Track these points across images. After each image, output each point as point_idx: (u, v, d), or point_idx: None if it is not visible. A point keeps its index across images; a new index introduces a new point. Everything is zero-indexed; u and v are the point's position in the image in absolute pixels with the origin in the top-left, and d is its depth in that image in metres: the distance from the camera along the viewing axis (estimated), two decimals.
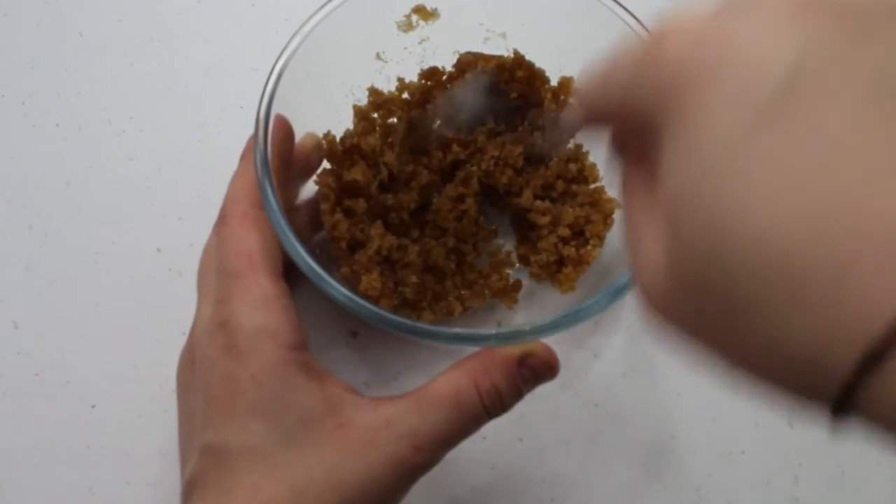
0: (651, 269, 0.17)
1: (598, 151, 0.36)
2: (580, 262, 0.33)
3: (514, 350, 0.27)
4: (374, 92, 0.35)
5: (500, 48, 0.36)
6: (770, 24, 0.14)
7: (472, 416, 0.27)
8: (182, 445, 0.28)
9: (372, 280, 0.31)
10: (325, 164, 0.34)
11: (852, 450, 0.35)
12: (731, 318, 0.14)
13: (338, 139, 0.34)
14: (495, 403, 0.27)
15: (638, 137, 0.18)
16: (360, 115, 0.35)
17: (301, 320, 0.28)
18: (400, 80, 0.36)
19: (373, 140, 0.34)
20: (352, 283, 0.32)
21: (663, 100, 0.15)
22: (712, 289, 0.14)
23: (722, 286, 0.14)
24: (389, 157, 0.34)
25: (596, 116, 0.19)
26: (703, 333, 0.16)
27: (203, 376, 0.27)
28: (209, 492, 0.25)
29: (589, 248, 0.34)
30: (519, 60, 0.35)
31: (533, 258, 0.34)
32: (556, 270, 0.34)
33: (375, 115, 0.35)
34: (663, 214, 0.16)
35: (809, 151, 0.13)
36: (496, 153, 0.34)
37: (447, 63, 0.36)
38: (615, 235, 0.34)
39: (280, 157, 0.30)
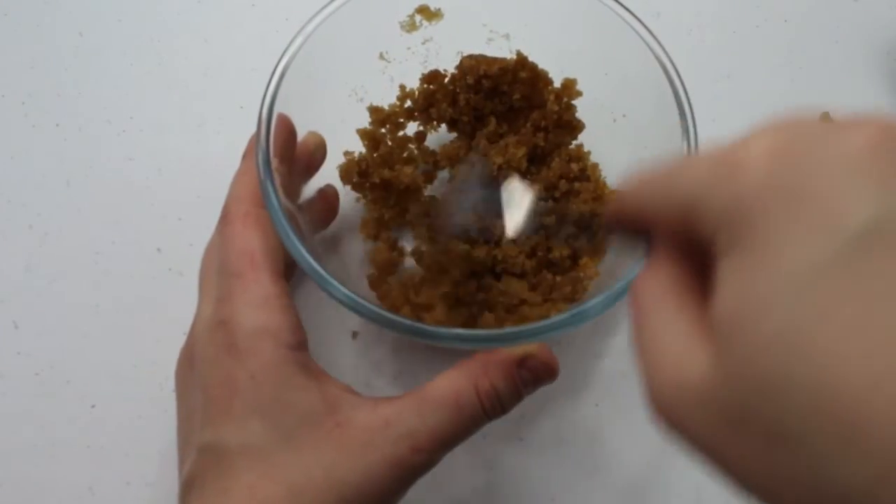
0: (677, 379, 0.17)
1: (598, 152, 0.36)
2: (595, 252, 0.33)
3: (514, 351, 0.27)
4: (374, 110, 0.35)
5: (504, 49, 0.36)
6: (851, 173, 0.15)
7: (471, 418, 0.26)
8: (180, 444, 0.28)
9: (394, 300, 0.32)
10: (329, 168, 0.34)
11: None
12: (774, 451, 0.15)
13: (345, 149, 0.34)
14: (494, 405, 0.27)
15: (680, 239, 0.19)
16: (368, 137, 0.35)
17: (301, 320, 0.28)
18: (401, 87, 0.36)
19: (410, 170, 0.34)
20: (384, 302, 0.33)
21: (735, 218, 0.16)
22: (760, 418, 0.15)
23: (773, 417, 0.14)
24: (419, 180, 0.35)
25: (644, 217, 0.20)
26: (729, 457, 0.16)
27: (202, 375, 0.27)
28: (207, 491, 0.25)
29: (599, 238, 0.34)
30: (522, 62, 0.35)
31: (548, 257, 0.34)
32: (573, 265, 0.34)
33: (383, 129, 0.35)
34: (716, 329, 0.16)
35: (884, 301, 0.14)
36: (501, 159, 0.34)
37: (450, 64, 0.35)
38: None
39: (282, 156, 0.29)
